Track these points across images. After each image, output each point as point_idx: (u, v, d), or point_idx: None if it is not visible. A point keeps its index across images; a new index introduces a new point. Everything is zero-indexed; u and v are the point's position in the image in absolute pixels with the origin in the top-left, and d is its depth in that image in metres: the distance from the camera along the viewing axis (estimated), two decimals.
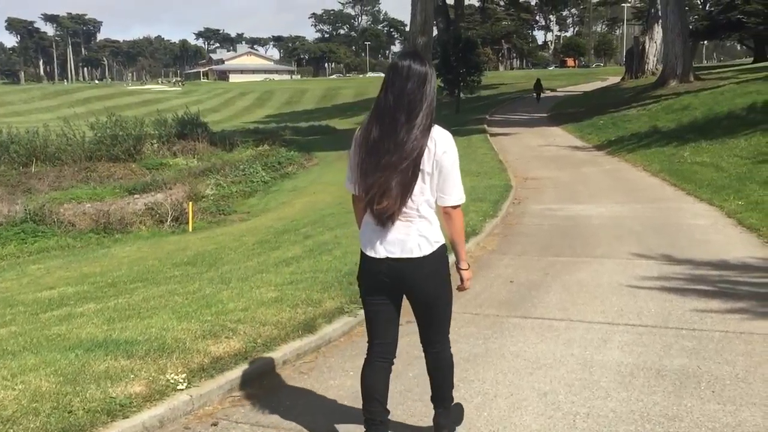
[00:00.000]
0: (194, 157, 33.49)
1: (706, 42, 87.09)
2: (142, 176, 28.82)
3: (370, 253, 2.81)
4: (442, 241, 2.83)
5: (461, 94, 39.17)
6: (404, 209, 2.72)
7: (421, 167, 2.68)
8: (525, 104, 41.11)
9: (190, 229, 13.91)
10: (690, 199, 10.50)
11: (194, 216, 15.23)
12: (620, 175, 13.93)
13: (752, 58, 46.93)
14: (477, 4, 64.81)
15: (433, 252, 2.77)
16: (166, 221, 14.72)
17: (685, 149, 15.07)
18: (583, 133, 22.31)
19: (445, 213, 2.82)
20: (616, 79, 45.37)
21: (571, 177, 13.76)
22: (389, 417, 3.04)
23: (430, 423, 3.15)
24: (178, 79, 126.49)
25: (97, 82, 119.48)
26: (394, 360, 3.01)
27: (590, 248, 7.51)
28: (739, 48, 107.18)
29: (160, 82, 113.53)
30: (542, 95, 42.29)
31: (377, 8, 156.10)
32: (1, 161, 25.48)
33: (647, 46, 37.87)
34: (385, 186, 2.65)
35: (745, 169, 11.87)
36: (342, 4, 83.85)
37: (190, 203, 14.41)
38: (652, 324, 4.82)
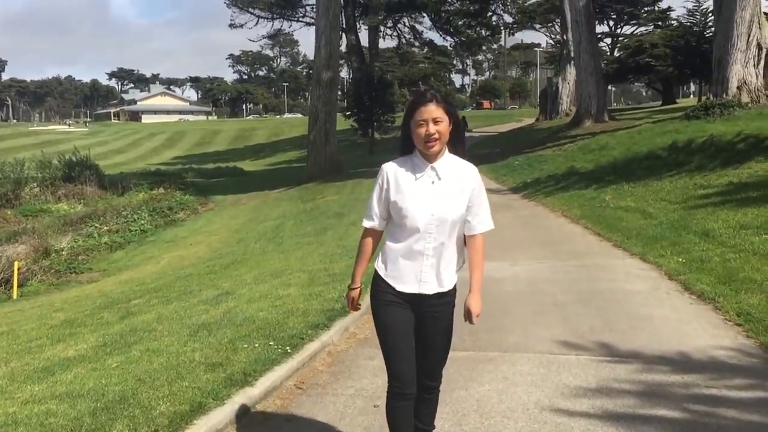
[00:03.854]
0: (80, 202, 30.47)
1: (613, 88, 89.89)
2: (16, 224, 25.83)
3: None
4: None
5: (375, 135, 37.53)
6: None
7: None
8: None
9: (15, 296, 11.06)
10: (619, 253, 8.70)
11: (33, 276, 12.41)
12: (538, 222, 12.16)
13: (660, 102, 47.77)
14: (393, 46, 64.41)
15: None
16: None
17: (606, 192, 13.54)
18: (498, 174, 20.77)
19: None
20: (531, 120, 45.04)
21: None
22: None
23: None
24: (86, 119, 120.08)
25: None
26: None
27: (500, 334, 5.43)
28: (644, 93, 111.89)
29: (68, 123, 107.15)
30: (466, 134, 41.43)
31: (296, 50, 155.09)
32: None
33: (561, 87, 37.55)
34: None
35: (676, 215, 10.26)
36: (260, 45, 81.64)
37: (16, 263, 11.54)
38: None
